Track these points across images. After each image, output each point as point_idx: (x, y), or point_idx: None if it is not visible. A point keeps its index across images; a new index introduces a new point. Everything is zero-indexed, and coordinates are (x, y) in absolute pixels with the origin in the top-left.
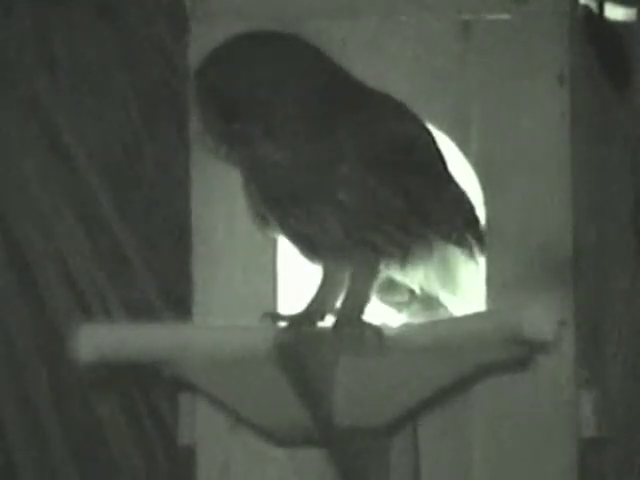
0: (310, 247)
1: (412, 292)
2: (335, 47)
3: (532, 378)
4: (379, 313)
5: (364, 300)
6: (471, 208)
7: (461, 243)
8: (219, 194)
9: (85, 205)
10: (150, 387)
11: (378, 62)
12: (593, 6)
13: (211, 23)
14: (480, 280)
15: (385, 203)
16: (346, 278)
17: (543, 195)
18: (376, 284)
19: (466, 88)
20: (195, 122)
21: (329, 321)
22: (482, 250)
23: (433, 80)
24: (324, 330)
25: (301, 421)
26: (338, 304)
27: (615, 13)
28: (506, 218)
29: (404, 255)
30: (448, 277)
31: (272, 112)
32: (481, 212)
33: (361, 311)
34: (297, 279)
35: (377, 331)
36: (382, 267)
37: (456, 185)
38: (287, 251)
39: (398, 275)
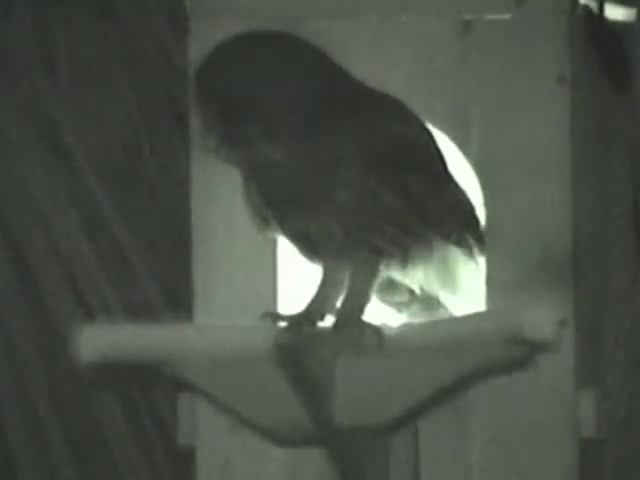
0: (310, 247)
1: (412, 292)
2: (335, 47)
3: (532, 378)
4: (379, 313)
5: (364, 300)
6: (471, 208)
7: (461, 243)
8: (219, 194)
9: (85, 205)
10: (150, 387)
11: (378, 62)
12: (593, 6)
13: (211, 23)
14: (480, 280)
15: (385, 203)
16: (346, 278)
17: (543, 195)
18: (376, 284)
19: (466, 88)
20: (195, 122)
21: (329, 321)
22: (482, 250)
23: (433, 80)
24: (324, 330)
25: (301, 421)
26: (338, 304)
27: (615, 13)
28: (506, 218)
29: (404, 255)
30: (448, 277)
31: (272, 112)
32: (481, 212)
33: (361, 311)
34: (297, 279)
35: (377, 331)
36: (382, 267)
37: (456, 185)
38: (287, 251)
39: (398, 275)
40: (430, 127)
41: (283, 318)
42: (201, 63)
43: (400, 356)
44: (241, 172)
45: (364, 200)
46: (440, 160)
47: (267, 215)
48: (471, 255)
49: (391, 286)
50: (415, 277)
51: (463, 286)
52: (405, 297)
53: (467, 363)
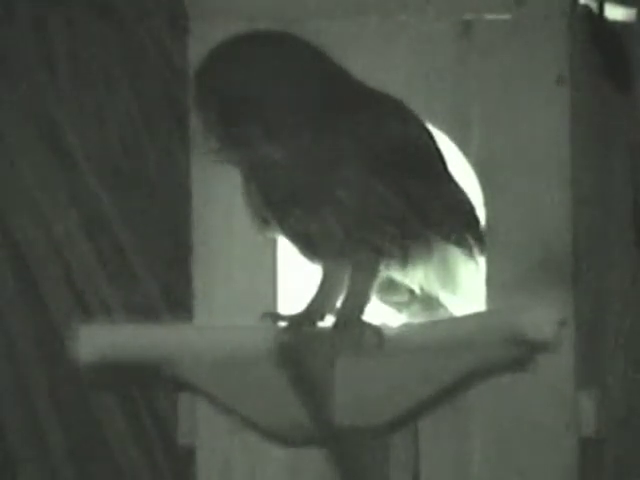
0: (310, 247)
1: (412, 292)
2: (335, 47)
3: (532, 378)
4: (379, 313)
5: (364, 300)
6: (471, 208)
7: (461, 243)
8: (219, 194)
9: (85, 205)
10: (150, 387)
11: (378, 62)
12: (593, 6)
13: (211, 23)
14: (480, 280)
15: (385, 203)
16: (346, 278)
17: (543, 195)
18: (376, 284)
19: (466, 88)
20: (195, 122)
21: (329, 321)
22: (482, 250)
23: (433, 80)
24: (324, 330)
25: (301, 421)
26: (338, 304)
27: (615, 13)
28: (506, 218)
29: (404, 255)
30: (448, 277)
31: (272, 112)
32: (481, 212)
33: (361, 311)
34: (297, 279)
35: (377, 331)
36: (382, 267)
37: (456, 185)
38: (287, 251)
39: (398, 275)
40: (430, 127)
41: (283, 318)
42: (201, 63)
43: (400, 356)
44: (241, 172)
45: (364, 200)
46: (440, 160)
47: (267, 215)
48: (471, 255)
49: (391, 286)
50: (415, 277)
51: (463, 286)
52: (405, 297)
53: (467, 363)
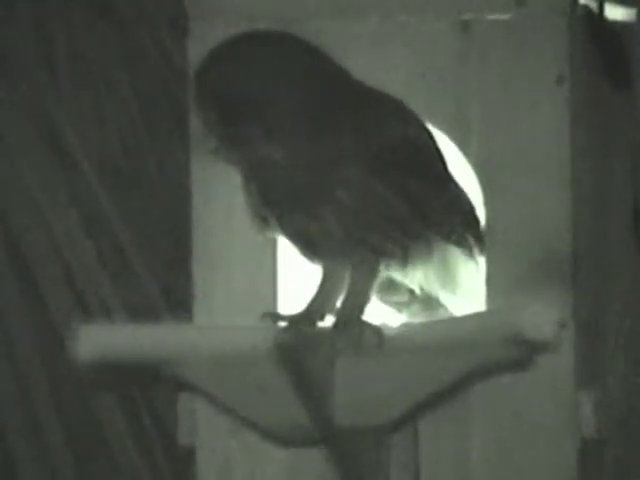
0: (310, 247)
1: (412, 292)
2: (335, 47)
3: (532, 378)
4: (379, 313)
5: (364, 300)
6: (471, 208)
7: (461, 243)
8: (219, 194)
9: (85, 205)
10: (150, 387)
11: (378, 62)
12: (593, 6)
13: (211, 23)
14: (480, 280)
15: (385, 203)
16: (346, 278)
17: (543, 195)
18: (376, 284)
19: (466, 88)
20: (195, 122)
21: (329, 321)
22: (482, 250)
23: (433, 80)
24: (324, 330)
25: (301, 421)
26: (338, 304)
27: (615, 13)
28: (506, 218)
29: (404, 255)
30: (448, 277)
31: (272, 112)
32: (481, 212)
33: (361, 311)
34: (297, 279)
35: (377, 331)
36: (382, 267)
37: (456, 185)
38: (287, 251)
39: (398, 275)
40: (430, 127)
41: (283, 318)
42: (201, 63)
43: (400, 356)
44: (241, 172)
45: (364, 200)
46: (440, 160)
47: (267, 215)
48: (471, 255)
49: (391, 286)
50: (415, 277)
51: (463, 286)
52: (405, 297)
53: (467, 363)
